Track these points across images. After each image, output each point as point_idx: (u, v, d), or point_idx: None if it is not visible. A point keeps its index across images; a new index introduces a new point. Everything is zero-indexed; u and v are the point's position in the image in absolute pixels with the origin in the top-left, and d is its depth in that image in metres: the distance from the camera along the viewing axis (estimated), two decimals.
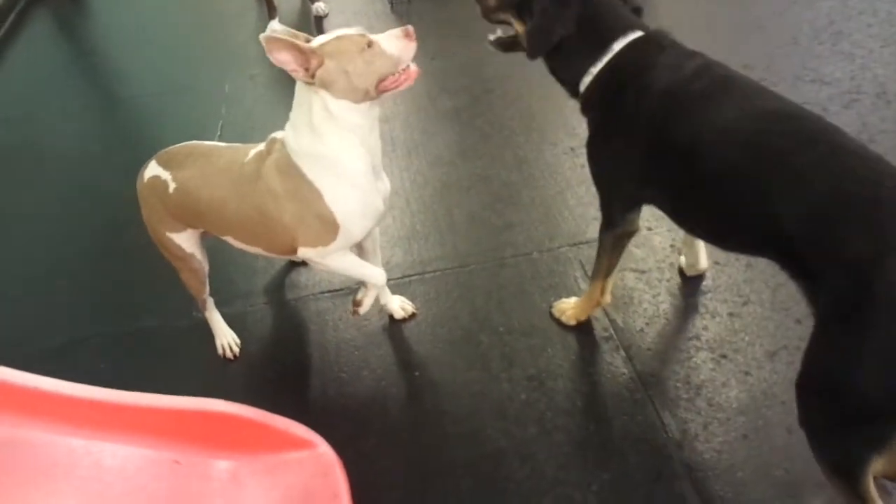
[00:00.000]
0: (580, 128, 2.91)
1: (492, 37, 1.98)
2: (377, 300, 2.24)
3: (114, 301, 2.59)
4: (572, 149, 2.82)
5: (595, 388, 2.01)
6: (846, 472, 1.38)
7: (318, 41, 1.69)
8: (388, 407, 2.04)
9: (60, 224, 3.03)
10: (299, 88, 1.77)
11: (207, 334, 2.31)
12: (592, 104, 1.79)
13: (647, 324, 2.14)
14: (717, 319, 2.11)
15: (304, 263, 2.54)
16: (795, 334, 2.02)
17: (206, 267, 2.15)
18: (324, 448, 1.56)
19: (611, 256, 1.97)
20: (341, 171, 1.79)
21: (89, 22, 4.88)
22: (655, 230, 2.41)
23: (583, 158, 2.75)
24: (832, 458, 1.40)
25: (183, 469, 1.59)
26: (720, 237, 1.71)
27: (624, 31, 1.70)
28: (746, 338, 2.05)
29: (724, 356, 2.01)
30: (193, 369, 2.28)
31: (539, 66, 3.31)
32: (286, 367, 2.24)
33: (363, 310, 2.08)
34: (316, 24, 4.10)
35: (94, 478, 1.55)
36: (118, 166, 3.31)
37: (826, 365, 1.36)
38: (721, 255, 2.25)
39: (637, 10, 1.80)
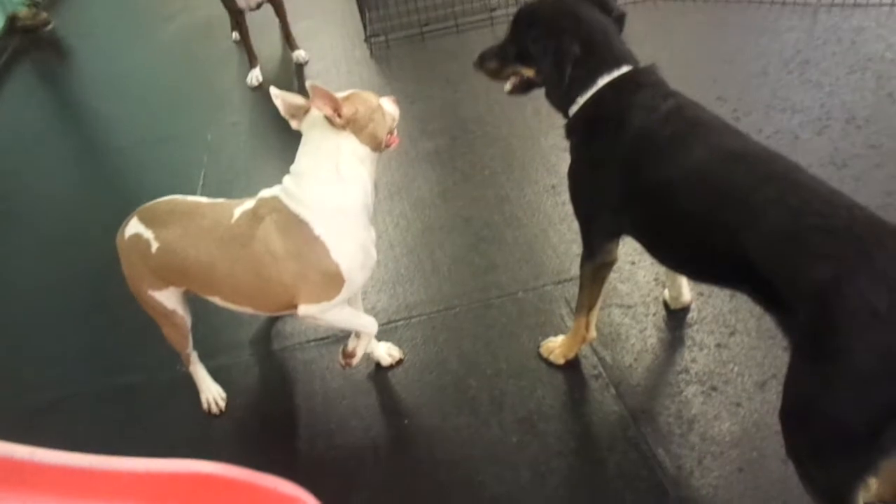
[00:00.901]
0: (560, 166, 2.94)
1: (508, 87, 2.03)
2: (369, 356, 2.24)
3: (97, 356, 2.56)
4: (553, 186, 2.84)
5: (587, 427, 1.99)
6: (836, 499, 1.38)
7: (341, 95, 1.83)
8: (378, 457, 2.01)
9: (42, 277, 3.00)
10: (317, 138, 1.82)
11: (192, 388, 2.28)
12: (576, 132, 1.84)
13: (635, 359, 2.14)
14: (704, 351, 2.11)
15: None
16: (784, 363, 1.98)
17: (189, 322, 2.12)
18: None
19: (592, 288, 1.99)
20: (351, 221, 1.83)
21: (72, 73, 4.91)
22: (639, 264, 2.42)
23: (564, 196, 2.77)
24: (820, 487, 1.41)
25: None
26: (694, 271, 1.77)
27: (611, 67, 1.75)
28: (735, 368, 2.05)
29: (714, 388, 2.01)
30: (179, 424, 2.24)
31: (517, 106, 3.35)
32: (273, 420, 2.21)
33: (356, 361, 2.07)
34: (297, 72, 4.13)
35: None
36: (101, 219, 3.29)
37: (803, 395, 1.38)
38: (705, 286, 2.26)
39: (620, 19, 1.87)
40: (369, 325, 2.03)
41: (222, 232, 1.86)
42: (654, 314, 2.26)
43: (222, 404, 2.24)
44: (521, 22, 1.87)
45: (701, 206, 1.53)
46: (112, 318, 2.68)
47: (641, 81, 1.73)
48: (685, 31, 3.63)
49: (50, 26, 5.24)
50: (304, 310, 1.86)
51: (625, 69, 1.75)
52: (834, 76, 3.05)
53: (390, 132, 1.93)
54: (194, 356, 2.23)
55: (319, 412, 2.19)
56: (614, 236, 1.89)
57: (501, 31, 3.98)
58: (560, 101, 1.85)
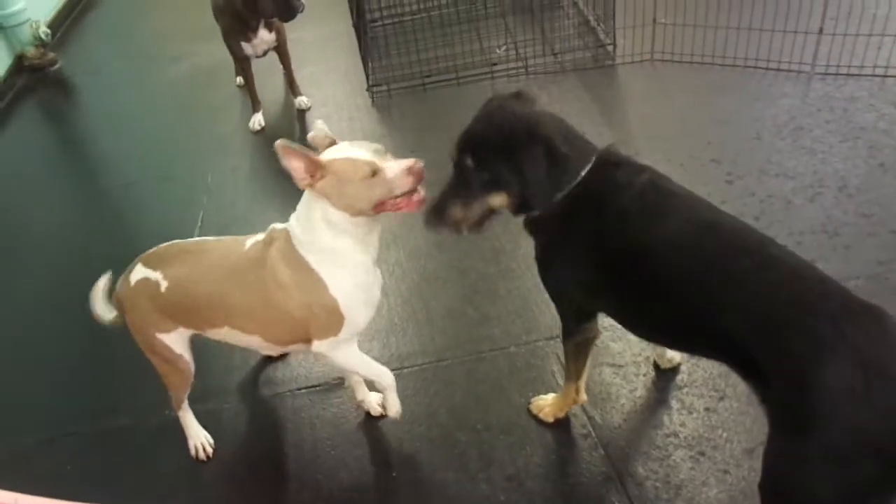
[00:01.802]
0: None
1: (469, 230, 1.86)
2: (354, 394, 2.24)
3: (84, 398, 2.55)
4: None
5: (575, 488, 1.98)
6: None
7: (331, 153, 1.78)
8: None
9: (32, 317, 3.00)
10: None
11: (180, 433, 2.26)
12: (546, 225, 1.80)
13: (624, 420, 2.14)
14: (693, 415, 2.11)
15: (280, 358, 2.53)
16: None
17: (192, 369, 2.12)
18: None
19: (576, 362, 2.01)
20: (342, 263, 1.85)
21: (77, 112, 4.97)
22: None
23: None
24: None
25: None
26: (671, 341, 1.83)
27: (588, 156, 1.71)
28: (724, 434, 2.05)
29: (702, 453, 2.00)
30: (166, 470, 2.23)
31: None
32: (260, 468, 2.19)
33: (394, 411, 2.14)
34: (298, 117, 4.19)
35: None
36: (96, 259, 3.27)
37: (778, 468, 1.40)
38: None
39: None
40: (384, 374, 2.07)
41: (234, 260, 1.92)
42: (645, 374, 2.26)
43: (210, 450, 2.23)
44: (479, 148, 1.71)
45: (678, 276, 1.55)
46: (101, 360, 2.68)
47: (615, 162, 1.73)
48: (682, 94, 3.71)
49: (57, 65, 5.32)
50: (316, 345, 1.92)
51: (594, 157, 1.72)
52: (827, 144, 3.12)
53: (396, 197, 1.77)
54: (185, 402, 2.21)
55: (307, 461, 2.17)
56: (592, 315, 1.91)
57: (502, 85, 4.12)
58: (536, 205, 1.74)
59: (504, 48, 4.38)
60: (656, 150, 3.30)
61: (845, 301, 1.36)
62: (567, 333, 1.97)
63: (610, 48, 4.13)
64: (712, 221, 1.59)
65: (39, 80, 5.20)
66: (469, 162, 1.73)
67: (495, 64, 4.22)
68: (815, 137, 3.17)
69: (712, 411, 2.11)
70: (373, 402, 2.26)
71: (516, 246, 2.90)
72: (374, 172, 1.73)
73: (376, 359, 2.43)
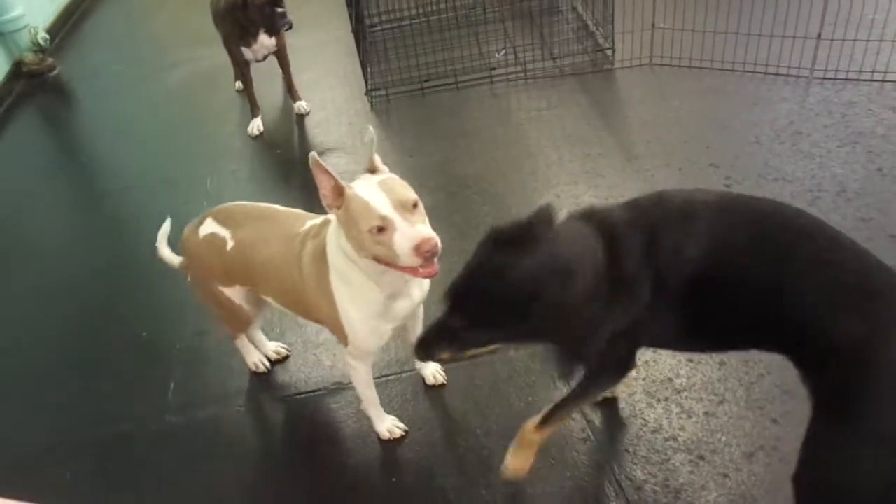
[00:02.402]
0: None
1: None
2: (359, 408, 2.23)
3: (85, 406, 2.54)
4: None
5: (574, 492, 1.98)
6: None
7: (360, 184, 1.64)
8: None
9: (32, 324, 2.99)
10: None
11: (179, 439, 2.27)
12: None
13: (623, 424, 2.13)
14: (693, 419, 2.11)
15: (280, 362, 2.53)
16: (772, 434, 2.02)
17: (254, 315, 2.22)
18: None
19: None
20: (352, 292, 1.79)
21: (76, 117, 4.97)
22: None
23: None
24: None
25: None
26: (720, 345, 1.74)
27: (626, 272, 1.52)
28: (723, 438, 2.04)
29: (701, 457, 2.00)
30: (167, 475, 2.22)
31: (514, 165, 3.41)
32: (260, 474, 2.19)
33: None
34: (298, 122, 4.20)
35: None
36: (96, 263, 3.32)
37: (827, 455, 1.36)
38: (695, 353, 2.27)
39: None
40: (378, 421, 2.15)
41: (287, 238, 1.92)
42: (644, 378, 2.26)
43: (267, 363, 2.47)
44: (471, 307, 1.47)
45: (740, 279, 1.47)
46: (102, 367, 2.68)
47: (617, 225, 1.55)
48: (681, 97, 3.72)
49: (56, 71, 5.32)
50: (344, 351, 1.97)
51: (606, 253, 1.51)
52: (825, 148, 3.12)
53: (396, 257, 1.60)
54: (244, 336, 2.40)
55: (307, 467, 2.17)
56: (633, 356, 1.78)
57: (500, 89, 4.13)
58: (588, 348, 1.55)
59: (503, 52, 4.39)
60: (655, 154, 3.31)
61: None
62: (609, 381, 1.83)
63: (609, 52, 4.14)
64: (763, 210, 1.54)
65: (38, 85, 5.21)
66: (458, 322, 1.49)
67: (494, 68, 4.23)
68: (813, 142, 3.18)
69: (711, 415, 2.11)
70: (428, 373, 2.33)
71: None
72: (382, 230, 1.56)
73: (375, 364, 2.45)
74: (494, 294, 1.42)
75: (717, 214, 1.53)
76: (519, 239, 1.45)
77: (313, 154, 1.61)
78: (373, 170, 1.71)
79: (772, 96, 3.56)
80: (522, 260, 1.42)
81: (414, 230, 1.56)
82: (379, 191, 1.59)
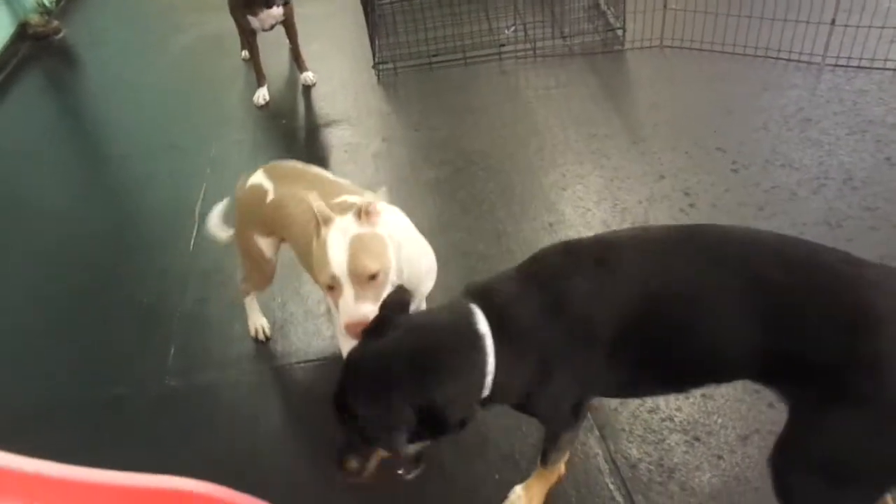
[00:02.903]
0: (560, 203, 2.98)
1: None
2: None
3: (84, 366, 2.55)
4: (551, 224, 2.87)
5: (569, 468, 1.99)
6: None
7: (335, 228, 1.59)
8: (358, 488, 2.00)
9: (33, 285, 3.00)
10: None
11: (178, 403, 2.29)
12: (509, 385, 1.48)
13: (620, 403, 2.14)
14: (690, 400, 2.12)
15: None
16: (768, 418, 2.03)
17: (274, 272, 2.30)
18: None
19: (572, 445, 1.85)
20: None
21: (80, 81, 4.94)
22: None
23: (562, 234, 2.81)
24: None
25: None
26: (683, 385, 1.62)
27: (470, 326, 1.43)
28: (719, 420, 2.06)
29: (697, 439, 2.01)
30: (165, 439, 2.24)
31: (520, 142, 3.40)
32: (257, 440, 2.20)
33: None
34: (304, 92, 4.18)
35: None
36: (98, 226, 3.32)
37: (812, 448, 1.34)
38: None
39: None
40: None
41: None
42: None
43: (268, 333, 2.51)
44: (345, 405, 1.38)
45: (690, 315, 1.40)
46: (100, 329, 2.69)
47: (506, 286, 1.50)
48: (690, 81, 3.69)
49: (61, 34, 5.28)
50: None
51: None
52: (834, 136, 3.10)
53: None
54: (254, 294, 2.47)
55: (304, 435, 2.18)
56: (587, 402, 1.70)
57: (509, 66, 4.10)
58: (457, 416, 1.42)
59: (513, 29, 4.35)
60: (662, 137, 3.29)
61: (882, 269, 1.32)
62: (568, 430, 1.71)
63: (619, 33, 4.10)
64: (688, 234, 1.48)
65: (43, 48, 5.17)
66: (353, 427, 1.39)
67: (503, 45, 4.19)
68: (822, 129, 3.16)
69: (708, 397, 2.12)
70: None
71: (518, 228, 2.90)
72: (331, 287, 1.56)
73: None
74: (354, 387, 1.37)
75: (640, 253, 1.46)
76: (375, 330, 1.42)
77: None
78: (367, 213, 1.62)
79: (782, 82, 3.54)
80: (372, 348, 1.39)
81: (352, 308, 1.53)
82: (345, 249, 1.54)
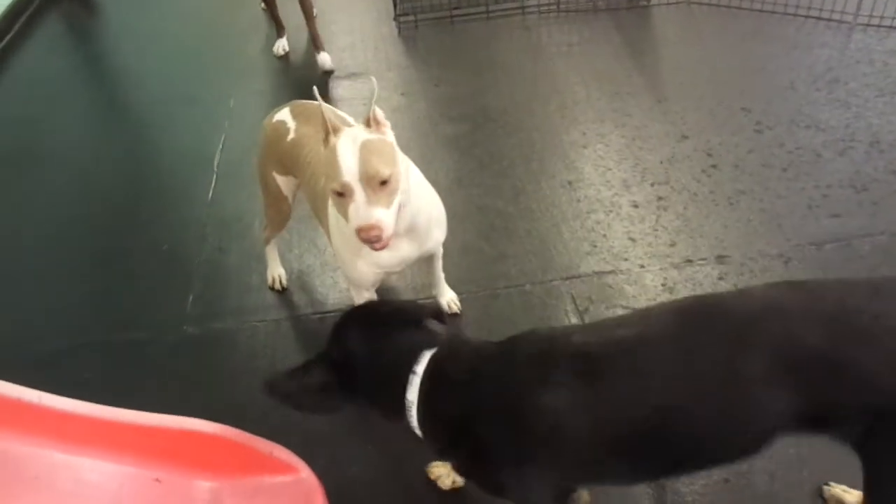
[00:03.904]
0: (580, 161, 2.95)
1: None
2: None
3: (106, 311, 2.59)
4: (570, 182, 2.85)
5: None
6: None
7: (344, 136, 1.56)
8: (372, 437, 2.04)
9: (55, 228, 3.03)
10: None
11: (196, 350, 2.32)
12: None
13: None
14: None
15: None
16: None
17: (290, 213, 2.31)
18: (306, 473, 1.57)
19: None
20: (342, 224, 1.76)
21: (100, 26, 4.92)
22: (648, 268, 2.43)
23: (580, 193, 2.79)
24: None
25: (164, 488, 1.58)
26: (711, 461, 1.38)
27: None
28: None
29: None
30: (181, 385, 2.27)
31: (541, 99, 3.35)
32: None
33: None
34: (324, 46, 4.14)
35: (74, 492, 1.54)
36: (118, 173, 3.34)
37: None
38: None
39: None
40: None
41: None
42: None
43: (285, 283, 2.54)
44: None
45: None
46: (121, 274, 2.72)
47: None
48: (717, 38, 3.61)
49: None
50: None
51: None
52: (863, 97, 3.04)
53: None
54: (273, 241, 2.48)
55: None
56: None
57: (532, 21, 4.03)
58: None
59: None
60: (686, 96, 3.24)
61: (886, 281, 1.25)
62: None
63: None
64: (699, 321, 1.27)
65: None
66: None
67: None
68: (850, 90, 3.09)
69: None
70: (443, 301, 2.37)
71: (536, 186, 2.88)
72: (341, 194, 1.54)
73: (392, 288, 2.48)
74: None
75: (634, 363, 1.25)
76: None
77: (315, 88, 1.61)
78: (376, 121, 1.61)
79: (812, 41, 3.45)
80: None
81: (364, 211, 1.51)
82: (355, 154, 1.51)
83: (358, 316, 1.51)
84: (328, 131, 1.58)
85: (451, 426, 1.38)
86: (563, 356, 1.28)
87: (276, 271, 2.55)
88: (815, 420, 1.22)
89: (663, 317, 1.30)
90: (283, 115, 2.13)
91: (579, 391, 1.23)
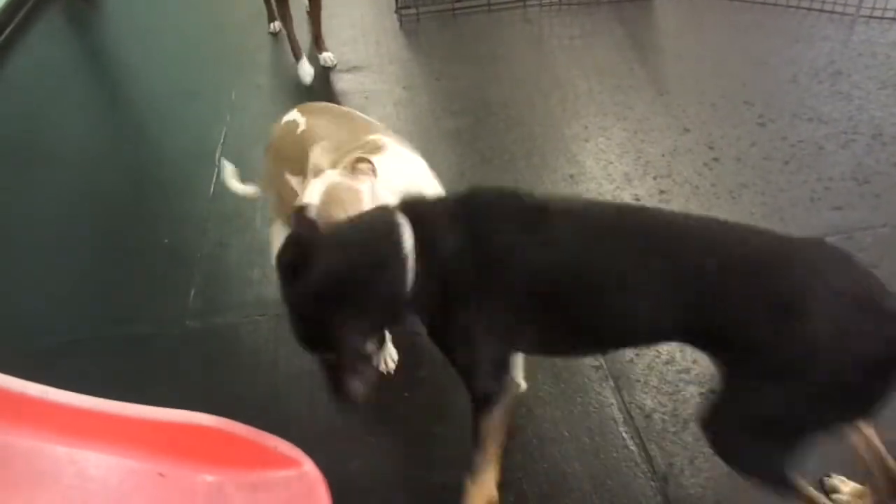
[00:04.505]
0: (581, 155, 2.95)
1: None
2: None
3: (108, 305, 2.59)
4: (571, 176, 2.84)
5: (583, 416, 2.01)
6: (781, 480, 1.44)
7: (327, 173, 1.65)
8: (375, 430, 2.04)
9: (57, 222, 3.03)
10: None
11: (200, 344, 2.32)
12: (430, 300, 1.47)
13: (636, 355, 2.15)
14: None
15: None
16: None
17: None
18: (309, 467, 1.57)
19: (498, 436, 1.69)
20: None
21: (101, 20, 4.92)
22: None
23: (582, 186, 2.79)
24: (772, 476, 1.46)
25: (167, 482, 1.59)
26: (609, 347, 1.71)
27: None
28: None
29: (713, 391, 2.01)
30: (183, 379, 2.28)
31: (542, 93, 3.35)
32: (276, 382, 2.24)
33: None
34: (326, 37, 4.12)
35: (77, 487, 1.55)
36: (119, 167, 3.34)
37: (751, 408, 1.38)
38: None
39: None
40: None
41: (344, 140, 1.88)
42: None
43: None
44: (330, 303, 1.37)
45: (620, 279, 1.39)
46: (122, 268, 2.73)
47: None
48: (719, 30, 3.60)
49: None
50: None
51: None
52: (865, 90, 3.03)
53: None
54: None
55: (321, 378, 2.21)
56: (508, 363, 1.64)
57: (533, 14, 4.02)
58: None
59: None
60: (688, 89, 3.23)
61: (813, 247, 1.36)
62: (492, 401, 1.60)
63: None
64: (628, 216, 1.48)
65: None
66: (328, 353, 1.44)
67: None
68: (853, 83, 3.08)
69: None
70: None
71: (538, 180, 2.88)
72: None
73: None
74: (316, 312, 1.37)
75: (576, 222, 1.44)
76: (297, 261, 1.38)
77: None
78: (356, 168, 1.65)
79: (814, 34, 3.44)
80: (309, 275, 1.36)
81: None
82: (320, 194, 1.60)
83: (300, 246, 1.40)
84: (312, 172, 1.66)
85: (434, 283, 1.42)
86: (523, 203, 1.47)
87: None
88: (695, 337, 1.43)
89: (608, 208, 1.55)
90: (291, 115, 2.15)
91: (526, 235, 1.41)
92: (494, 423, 1.63)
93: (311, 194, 1.60)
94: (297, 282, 1.37)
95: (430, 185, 1.92)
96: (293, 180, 2.14)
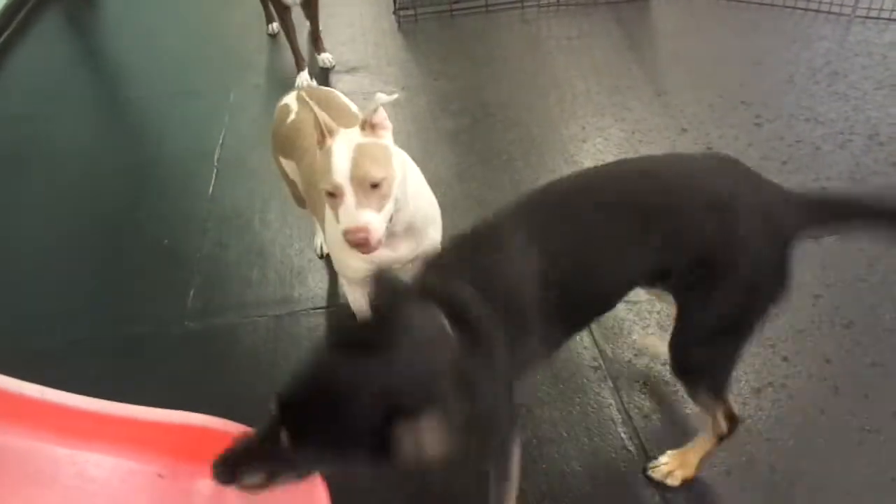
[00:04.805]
0: (579, 155, 2.95)
1: None
2: None
3: (107, 305, 2.59)
4: None
5: (581, 417, 2.02)
6: (721, 394, 1.65)
7: (339, 139, 1.57)
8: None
9: (56, 224, 3.03)
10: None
11: (199, 345, 2.32)
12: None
13: (635, 355, 2.16)
14: None
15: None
16: (781, 372, 2.04)
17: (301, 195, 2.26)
18: None
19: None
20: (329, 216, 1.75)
21: (100, 20, 4.92)
22: None
23: None
24: (713, 388, 1.64)
25: (166, 483, 1.59)
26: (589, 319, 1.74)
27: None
28: (733, 373, 2.06)
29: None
30: (183, 380, 2.28)
31: (540, 93, 3.36)
32: (276, 382, 2.23)
33: None
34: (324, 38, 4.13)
35: (77, 487, 1.55)
36: (118, 168, 3.34)
37: (703, 319, 1.51)
38: None
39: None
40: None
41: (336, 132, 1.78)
42: (658, 312, 2.27)
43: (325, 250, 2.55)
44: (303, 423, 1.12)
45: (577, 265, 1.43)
46: (121, 269, 2.73)
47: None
48: (716, 32, 3.61)
49: None
50: None
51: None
52: (861, 90, 3.04)
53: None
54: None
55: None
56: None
57: (531, 15, 4.02)
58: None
59: None
60: (685, 89, 3.24)
61: (710, 158, 1.59)
62: (512, 440, 1.54)
63: None
64: (584, 183, 1.58)
65: None
66: (283, 441, 1.11)
67: None
68: (850, 83, 3.09)
69: None
70: None
71: (536, 180, 2.88)
72: (332, 195, 1.54)
73: None
74: (343, 411, 1.07)
75: (542, 219, 1.47)
76: (366, 340, 1.11)
77: (302, 94, 1.70)
78: (372, 125, 1.59)
79: (811, 34, 3.45)
80: (374, 367, 1.08)
81: (352, 214, 1.50)
82: (349, 156, 1.52)
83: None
84: (323, 133, 1.58)
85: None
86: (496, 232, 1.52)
87: (317, 241, 2.62)
88: (659, 274, 1.51)
89: (568, 180, 1.60)
90: (289, 98, 2.14)
91: (513, 258, 1.42)
92: (517, 457, 1.56)
93: (340, 158, 1.52)
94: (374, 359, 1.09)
95: (424, 186, 1.92)
96: (284, 162, 2.16)
